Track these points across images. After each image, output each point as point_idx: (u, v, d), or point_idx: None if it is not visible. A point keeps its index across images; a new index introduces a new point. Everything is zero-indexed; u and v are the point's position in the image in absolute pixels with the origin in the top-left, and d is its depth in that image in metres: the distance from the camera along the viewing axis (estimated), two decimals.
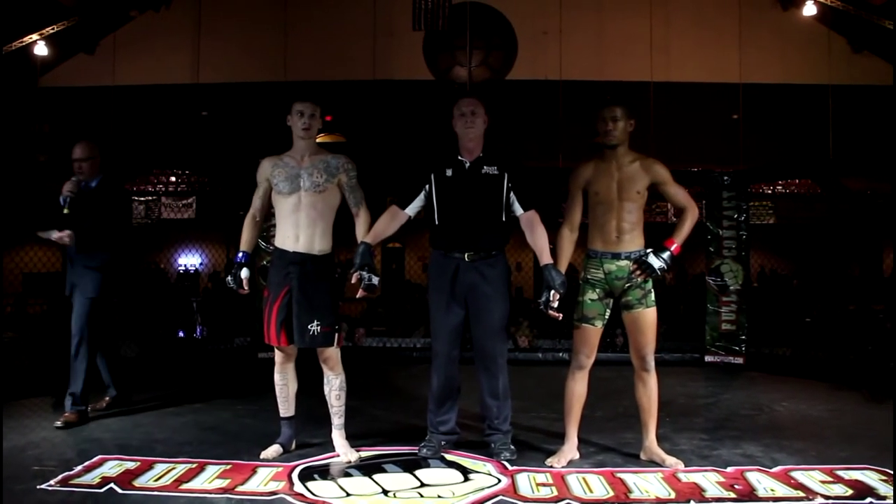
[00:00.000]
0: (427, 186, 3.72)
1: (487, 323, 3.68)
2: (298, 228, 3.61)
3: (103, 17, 18.32)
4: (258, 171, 3.78)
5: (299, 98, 3.69)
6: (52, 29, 17.23)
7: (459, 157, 3.71)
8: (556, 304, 3.50)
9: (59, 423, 4.22)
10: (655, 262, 3.48)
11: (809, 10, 17.75)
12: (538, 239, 3.62)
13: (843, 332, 7.98)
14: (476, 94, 3.81)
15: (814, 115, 17.92)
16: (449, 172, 3.69)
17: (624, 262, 3.55)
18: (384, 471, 3.47)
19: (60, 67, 19.03)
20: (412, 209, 3.76)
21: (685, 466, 3.54)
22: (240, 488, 3.19)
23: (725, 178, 7.29)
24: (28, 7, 16.21)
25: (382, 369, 6.68)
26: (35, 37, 17.04)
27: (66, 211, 4.23)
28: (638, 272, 3.51)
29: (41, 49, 17.45)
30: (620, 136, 3.59)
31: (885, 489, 3.20)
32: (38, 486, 3.15)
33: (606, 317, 3.65)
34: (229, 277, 3.72)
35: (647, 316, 3.60)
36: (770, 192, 16.44)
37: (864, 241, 15.43)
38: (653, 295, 3.61)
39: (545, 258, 3.56)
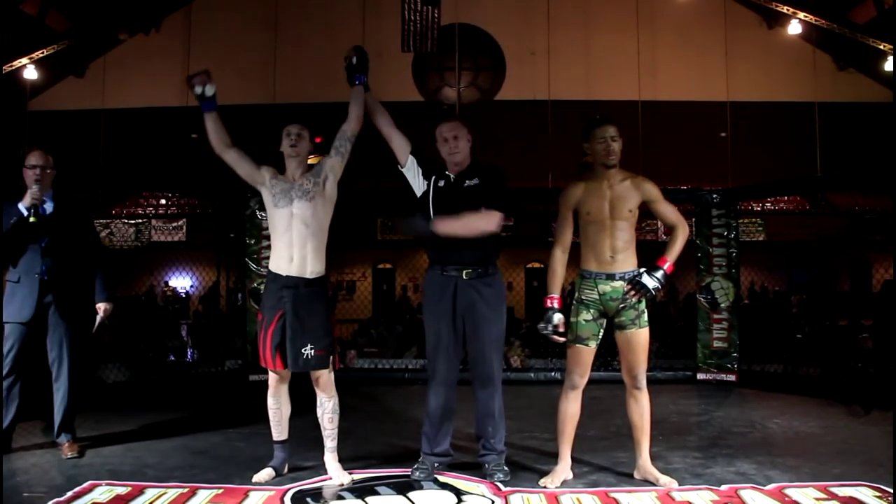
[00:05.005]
0: (426, 184, 3.77)
1: (485, 343, 3.68)
2: (292, 248, 3.61)
3: (93, 40, 18.34)
4: (259, 168, 3.77)
5: (287, 123, 3.75)
6: (42, 53, 17.25)
7: (447, 172, 3.78)
8: (562, 329, 3.51)
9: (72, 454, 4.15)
10: (650, 283, 3.48)
11: (794, 28, 17.95)
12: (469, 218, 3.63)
13: (834, 348, 7.99)
14: (457, 115, 3.85)
15: (801, 131, 18.06)
16: (441, 183, 3.75)
17: (618, 283, 3.55)
18: (377, 493, 3.45)
19: (50, 91, 19.04)
20: (410, 157, 3.82)
21: (679, 485, 3.52)
22: None
23: (714, 195, 7.32)
24: (18, 31, 16.21)
25: (374, 391, 6.65)
26: (25, 60, 17.05)
27: (32, 220, 4.06)
28: (633, 292, 3.51)
29: (31, 73, 17.46)
30: (619, 155, 3.60)
31: None
32: None
33: (600, 337, 3.64)
34: None
35: (641, 336, 3.60)
36: (759, 209, 16.54)
37: (853, 256, 15.51)
38: (646, 315, 3.61)
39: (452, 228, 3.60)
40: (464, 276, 3.67)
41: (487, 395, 3.73)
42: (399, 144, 3.86)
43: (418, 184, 3.81)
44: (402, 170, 3.86)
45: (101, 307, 4.33)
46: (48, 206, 4.22)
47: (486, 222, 3.62)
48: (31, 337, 4.18)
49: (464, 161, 3.76)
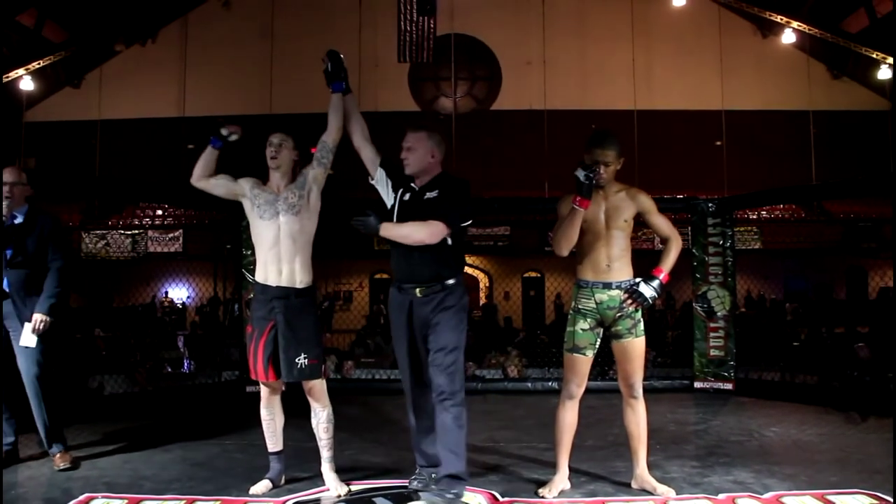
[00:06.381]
0: (395, 196, 3.71)
1: (438, 357, 3.55)
2: (280, 262, 3.61)
3: (90, 51, 18.36)
4: (236, 180, 3.77)
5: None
6: (39, 64, 17.27)
7: (412, 184, 3.72)
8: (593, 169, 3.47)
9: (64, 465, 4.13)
10: (647, 291, 3.48)
11: (788, 37, 18.06)
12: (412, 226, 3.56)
13: (830, 356, 7.99)
14: (425, 125, 3.78)
15: (796, 139, 18.12)
16: (407, 197, 3.69)
17: (615, 292, 3.56)
18: None
19: (46, 102, 19.05)
20: (380, 170, 3.77)
21: (677, 494, 3.52)
22: None
23: (710, 204, 7.33)
24: (14, 42, 16.24)
25: (372, 401, 6.63)
26: (21, 71, 17.08)
27: None
28: (629, 301, 3.52)
29: (27, 84, 17.48)
30: (609, 179, 3.60)
31: None
32: None
33: (597, 346, 3.65)
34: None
35: (637, 345, 3.61)
36: (755, 217, 16.58)
37: (849, 263, 15.54)
38: (642, 324, 3.62)
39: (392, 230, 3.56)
40: (418, 294, 3.60)
41: (439, 408, 3.53)
42: (369, 157, 3.81)
43: (387, 195, 3.77)
44: (373, 182, 3.81)
45: (36, 317, 4.12)
46: (18, 220, 4.20)
47: (426, 233, 3.51)
48: (11, 349, 4.16)
49: (420, 173, 3.67)
